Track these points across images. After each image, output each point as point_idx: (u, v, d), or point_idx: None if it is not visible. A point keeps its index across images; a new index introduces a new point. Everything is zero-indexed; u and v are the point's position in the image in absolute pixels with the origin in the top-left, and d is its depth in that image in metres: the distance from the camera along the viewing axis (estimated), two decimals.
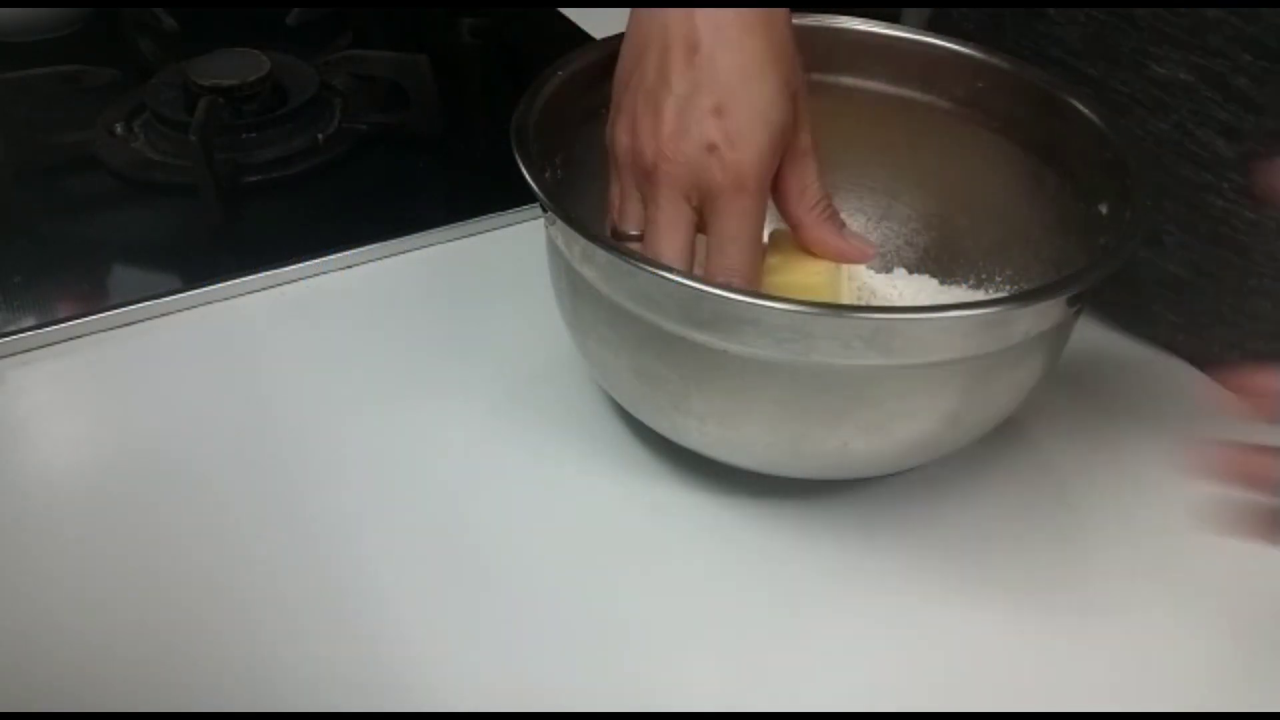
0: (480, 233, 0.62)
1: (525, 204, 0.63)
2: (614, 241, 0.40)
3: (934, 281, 0.52)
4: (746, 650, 0.41)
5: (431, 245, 0.61)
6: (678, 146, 0.40)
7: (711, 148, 0.40)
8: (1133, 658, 0.41)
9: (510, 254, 0.60)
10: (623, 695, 0.39)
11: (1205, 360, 0.53)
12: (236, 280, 0.56)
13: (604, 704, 0.39)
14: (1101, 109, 0.47)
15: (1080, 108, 0.47)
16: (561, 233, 0.42)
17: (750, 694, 0.40)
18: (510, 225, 0.63)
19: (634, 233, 0.43)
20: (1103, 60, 0.52)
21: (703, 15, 0.41)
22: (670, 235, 0.41)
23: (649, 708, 0.39)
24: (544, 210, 0.42)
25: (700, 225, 0.42)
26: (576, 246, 0.41)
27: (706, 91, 0.40)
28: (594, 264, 0.41)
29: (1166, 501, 0.47)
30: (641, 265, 0.38)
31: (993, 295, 0.52)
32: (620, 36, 0.50)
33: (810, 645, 0.41)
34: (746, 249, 0.41)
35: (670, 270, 0.38)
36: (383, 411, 0.50)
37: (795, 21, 0.43)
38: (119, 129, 0.65)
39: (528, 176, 0.41)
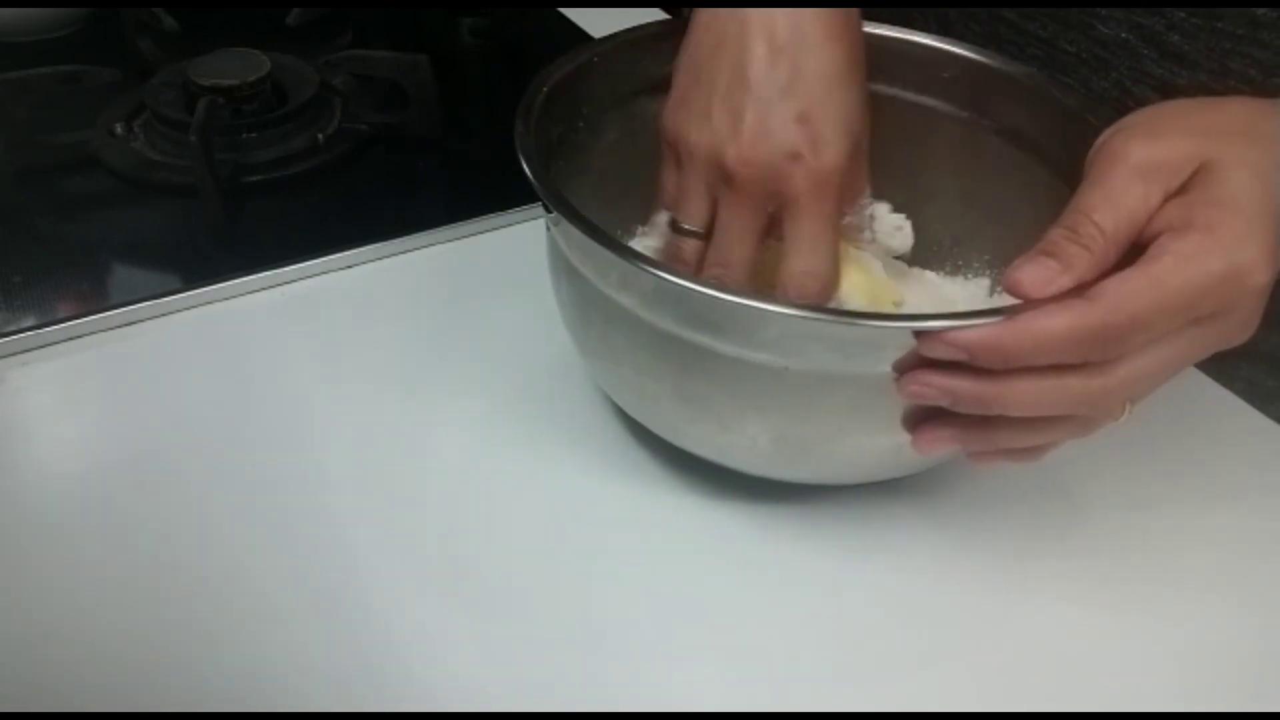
0: (480, 233, 0.62)
1: (525, 204, 0.62)
2: (628, 246, 0.39)
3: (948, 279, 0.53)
4: (747, 651, 0.41)
5: (431, 245, 0.61)
6: (760, 152, 0.40)
7: (795, 156, 0.40)
8: (1135, 656, 0.41)
9: (510, 254, 0.60)
10: (622, 696, 0.39)
11: None
12: (236, 280, 0.56)
13: (603, 705, 0.39)
14: (1084, 99, 0.47)
15: (1059, 97, 0.47)
16: (562, 232, 0.42)
17: (750, 694, 0.40)
18: (510, 225, 0.63)
19: (692, 228, 0.43)
20: (1053, 21, 0.53)
21: (784, 17, 0.40)
22: (743, 241, 0.41)
23: (648, 708, 0.39)
24: (546, 210, 0.42)
25: (772, 229, 0.42)
26: (576, 245, 0.41)
27: (791, 97, 0.40)
28: (592, 262, 0.41)
29: (1169, 500, 0.47)
30: (639, 264, 0.37)
31: (972, 281, 0.53)
32: (612, 36, 0.50)
33: (810, 646, 0.41)
34: (826, 253, 0.41)
35: (665, 269, 0.37)
36: (383, 411, 0.50)
37: None
38: (119, 129, 0.65)
39: (529, 173, 0.41)
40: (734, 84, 0.40)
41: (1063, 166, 0.47)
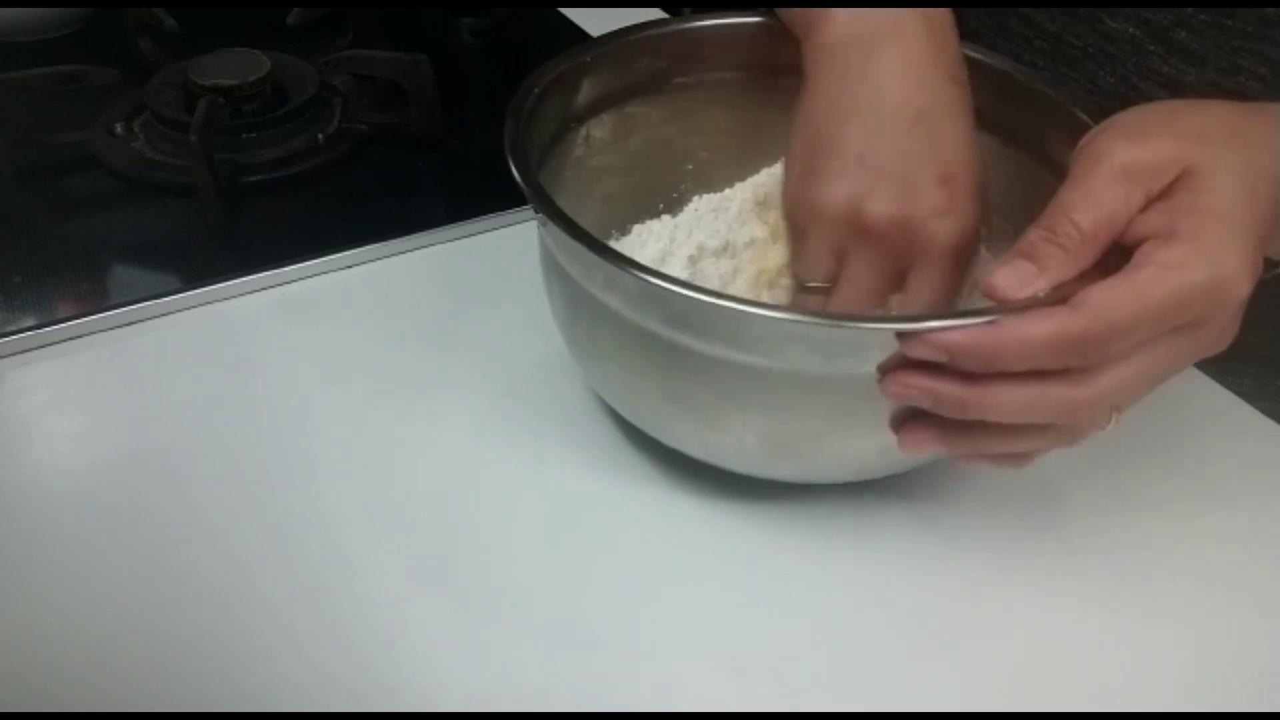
0: (480, 233, 0.62)
1: (524, 204, 0.62)
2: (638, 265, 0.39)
3: None
4: (737, 650, 0.41)
5: (431, 245, 0.61)
6: (906, 209, 0.41)
7: (940, 214, 0.41)
8: (1131, 656, 0.41)
9: (509, 254, 0.60)
10: (612, 695, 0.39)
11: None
12: (236, 280, 0.56)
13: (594, 704, 0.39)
14: (1080, 98, 0.47)
15: (1055, 96, 0.47)
16: (549, 232, 0.42)
17: (742, 694, 0.39)
18: (510, 225, 0.63)
19: (815, 285, 0.44)
20: (1062, 14, 0.53)
21: (916, 83, 0.41)
22: (868, 295, 0.42)
23: (641, 708, 0.39)
24: (536, 211, 0.42)
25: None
26: (561, 245, 0.41)
27: (932, 161, 0.41)
28: (579, 263, 0.41)
29: (1165, 500, 0.47)
30: (622, 265, 0.37)
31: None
32: (607, 36, 0.50)
33: (799, 644, 0.41)
34: (944, 305, 0.43)
35: (648, 270, 0.37)
36: (381, 411, 0.50)
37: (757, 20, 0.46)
38: (119, 129, 0.65)
39: (515, 172, 0.41)
40: (872, 147, 0.41)
41: (1059, 165, 0.47)
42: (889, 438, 0.39)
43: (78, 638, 0.40)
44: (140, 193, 0.62)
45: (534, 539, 0.45)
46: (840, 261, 0.43)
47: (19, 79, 0.64)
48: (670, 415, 0.43)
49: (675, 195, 0.54)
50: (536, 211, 0.41)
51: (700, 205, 0.53)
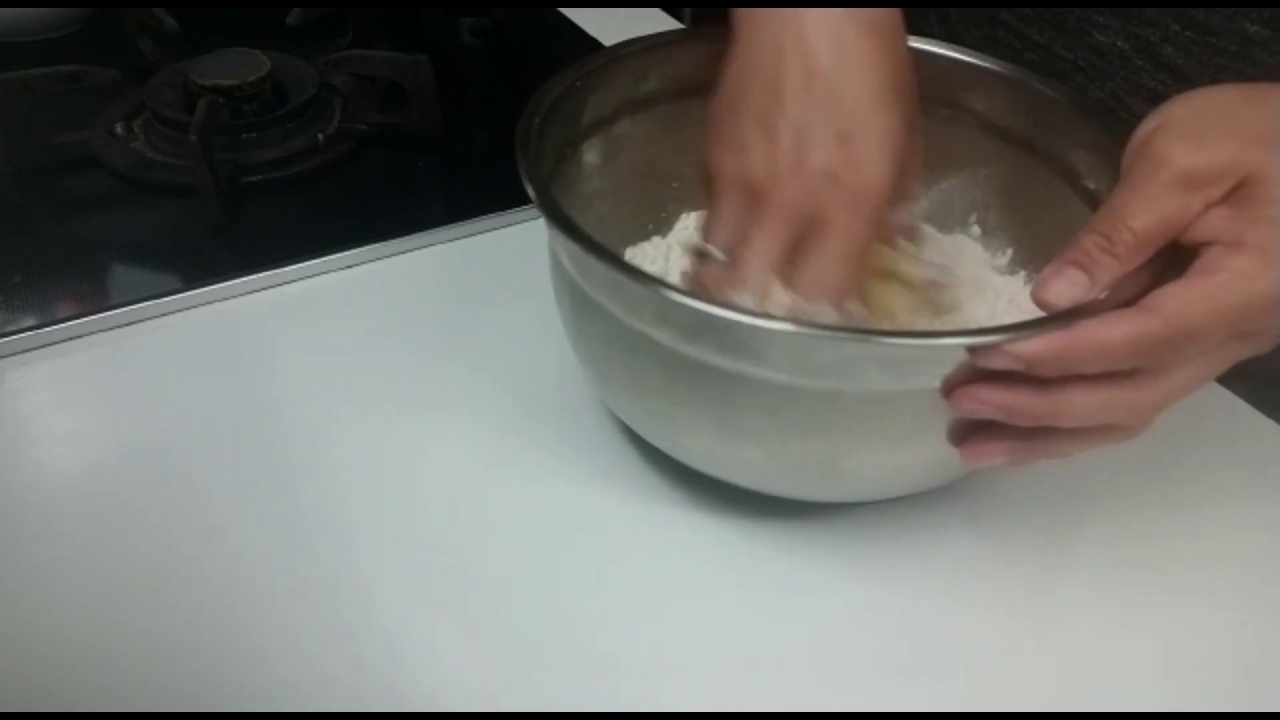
0: (480, 233, 0.62)
1: (525, 204, 0.63)
2: (619, 259, 0.38)
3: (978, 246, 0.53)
4: (749, 669, 0.41)
5: (431, 245, 0.61)
6: (796, 173, 0.39)
7: (832, 175, 0.39)
8: (1133, 656, 0.41)
9: (510, 254, 0.60)
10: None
11: None
12: (236, 280, 0.56)
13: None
14: (1072, 94, 0.47)
15: (1051, 94, 0.47)
16: (563, 245, 0.41)
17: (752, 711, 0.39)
18: (511, 225, 0.63)
19: (715, 250, 0.42)
20: (1050, 27, 0.53)
21: (824, 42, 0.39)
22: (762, 254, 0.40)
23: None
24: (570, 237, 0.41)
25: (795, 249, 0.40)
26: (568, 253, 0.41)
27: (828, 118, 0.39)
28: (587, 272, 0.41)
29: (1163, 500, 0.47)
30: (627, 273, 0.37)
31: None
32: (621, 44, 0.50)
33: (817, 664, 0.41)
34: (845, 270, 0.40)
35: (657, 281, 0.37)
36: (381, 412, 0.50)
37: None
38: (119, 129, 0.65)
39: (531, 192, 0.40)
40: (768, 108, 0.40)
41: (1062, 165, 0.47)
42: (896, 457, 0.39)
43: (78, 638, 0.40)
44: (140, 193, 0.62)
45: (536, 544, 0.44)
46: (741, 232, 0.41)
47: (19, 79, 0.64)
48: (677, 424, 0.42)
49: (663, 215, 0.54)
50: (572, 240, 0.39)
51: (689, 222, 0.53)
